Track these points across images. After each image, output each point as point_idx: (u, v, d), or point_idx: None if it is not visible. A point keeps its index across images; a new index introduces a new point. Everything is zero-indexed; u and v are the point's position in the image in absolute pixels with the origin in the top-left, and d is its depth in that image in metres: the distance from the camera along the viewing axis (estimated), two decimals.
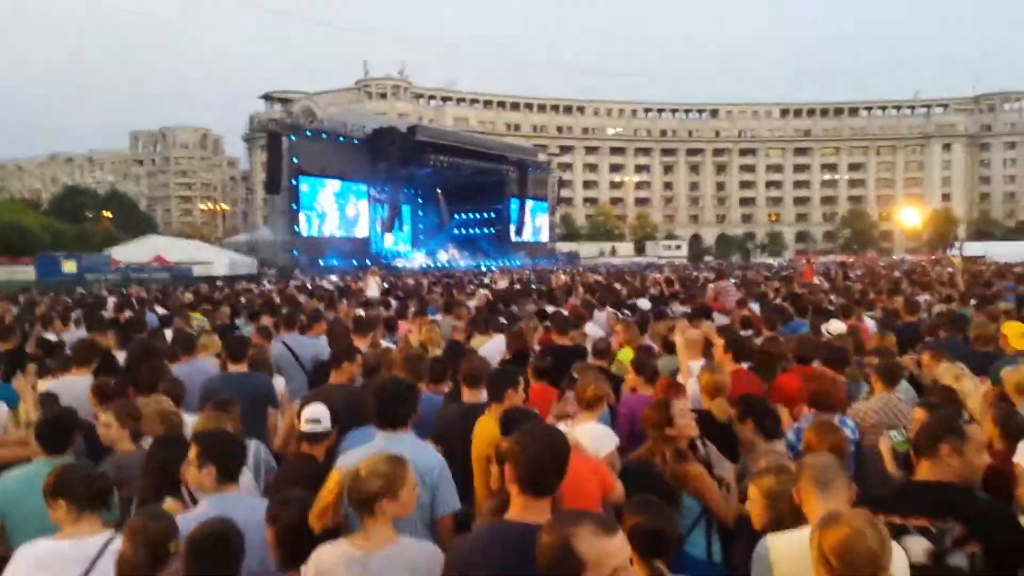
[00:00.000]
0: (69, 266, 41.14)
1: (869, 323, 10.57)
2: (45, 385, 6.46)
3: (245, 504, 3.53)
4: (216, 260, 45.97)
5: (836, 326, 8.61)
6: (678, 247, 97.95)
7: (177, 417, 5.12)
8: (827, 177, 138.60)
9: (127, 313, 13.21)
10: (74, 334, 10.52)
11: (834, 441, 4.24)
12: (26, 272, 41.72)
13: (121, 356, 8.14)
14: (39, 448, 4.68)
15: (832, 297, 14.59)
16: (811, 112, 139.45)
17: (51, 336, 10.07)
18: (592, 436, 4.71)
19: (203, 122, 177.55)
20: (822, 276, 25.61)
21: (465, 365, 5.48)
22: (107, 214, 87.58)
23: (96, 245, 58.69)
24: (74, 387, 6.29)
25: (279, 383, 7.15)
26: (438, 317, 11.30)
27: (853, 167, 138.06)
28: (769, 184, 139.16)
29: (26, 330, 11.36)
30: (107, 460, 4.69)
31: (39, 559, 3.21)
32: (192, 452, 3.68)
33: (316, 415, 4.48)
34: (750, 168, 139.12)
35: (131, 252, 46.82)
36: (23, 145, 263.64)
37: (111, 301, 17.65)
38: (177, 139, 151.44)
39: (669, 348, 7.48)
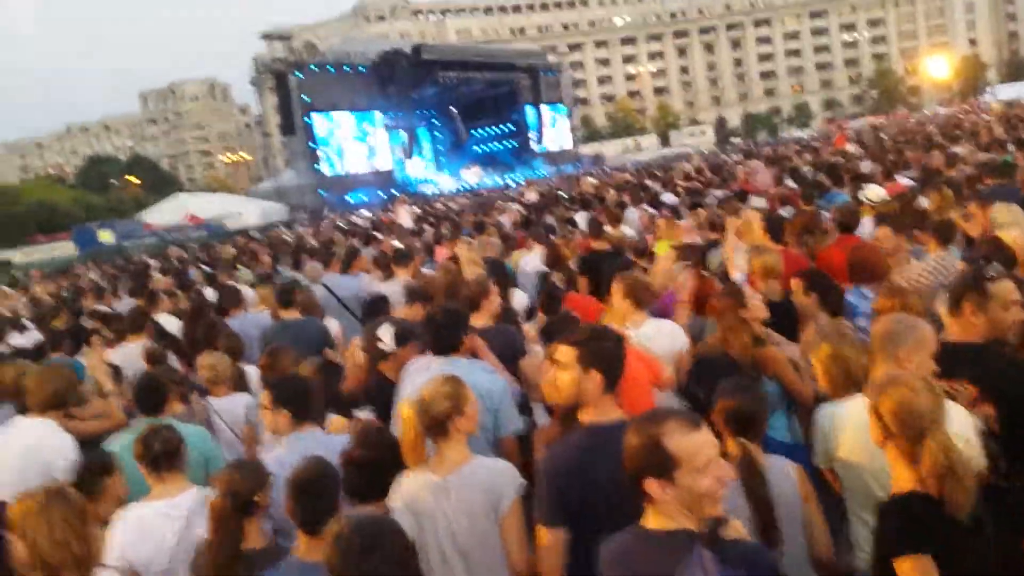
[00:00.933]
0: (105, 236, 41.80)
1: (908, 183, 10.39)
2: (105, 356, 6.65)
3: (322, 441, 3.67)
4: (247, 211, 46.26)
5: (875, 191, 8.47)
6: (703, 133, 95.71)
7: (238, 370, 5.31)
8: (847, 38, 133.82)
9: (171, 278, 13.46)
10: (124, 303, 10.78)
11: (903, 303, 4.06)
12: (65, 247, 42.53)
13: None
14: (120, 417, 4.88)
15: (867, 162, 14.33)
16: None
17: (103, 307, 10.32)
18: (660, 333, 4.73)
19: (209, 72, 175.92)
20: (854, 141, 25.05)
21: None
22: (132, 179, 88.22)
23: (128, 211, 59.37)
24: (133, 354, 6.48)
25: (333, 325, 7.29)
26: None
27: (873, 23, 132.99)
28: (788, 53, 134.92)
29: (78, 305, 11.66)
30: None
31: (138, 522, 3.40)
32: (265, 398, 3.85)
33: (380, 334, 4.62)
34: (767, 40, 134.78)
35: (163, 214, 47.35)
36: (38, 121, 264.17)
37: (153, 266, 17.95)
38: (186, 93, 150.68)
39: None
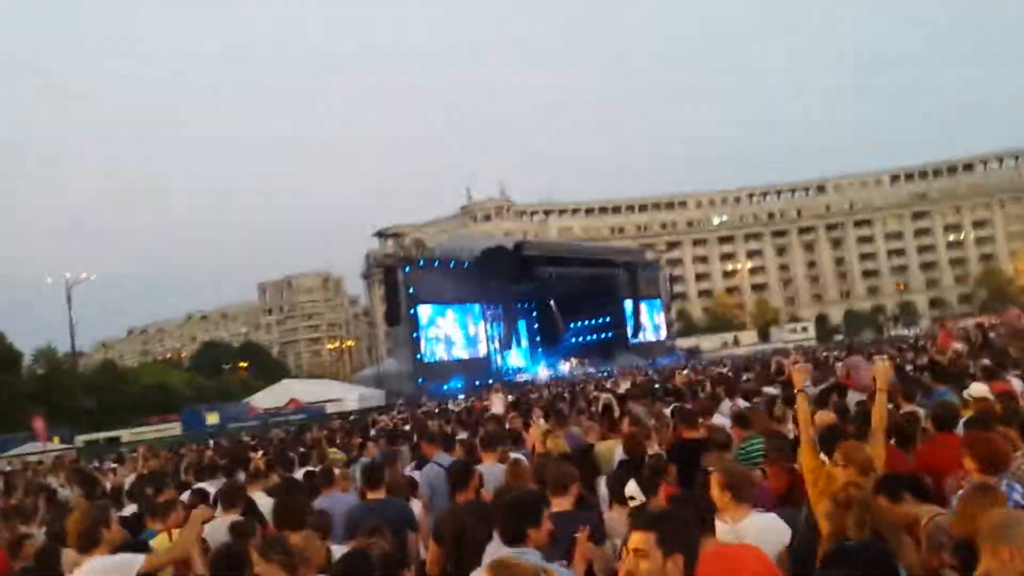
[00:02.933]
0: (212, 418, 43.46)
1: (1017, 383, 9.98)
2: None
3: None
4: (346, 396, 47.55)
5: (977, 389, 8.18)
6: (804, 329, 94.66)
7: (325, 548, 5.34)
8: (952, 238, 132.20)
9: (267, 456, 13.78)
10: (221, 481, 11.06)
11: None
12: (173, 428, 44.23)
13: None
14: None
15: (973, 362, 13.84)
16: (923, 174, 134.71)
17: (201, 485, 10.60)
18: (760, 527, 4.52)
19: (324, 266, 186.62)
20: (961, 340, 24.26)
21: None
22: (243, 364, 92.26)
23: (236, 395, 61.78)
24: (219, 530, 6.60)
25: (416, 507, 7.32)
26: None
27: (978, 224, 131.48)
28: (891, 253, 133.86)
29: (179, 480, 12.02)
30: None
31: None
32: None
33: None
34: (868, 239, 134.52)
35: (267, 398, 49.08)
36: (162, 309, 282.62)
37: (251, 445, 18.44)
38: (301, 285, 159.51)
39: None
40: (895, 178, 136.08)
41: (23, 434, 37.44)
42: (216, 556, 4.67)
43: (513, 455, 8.77)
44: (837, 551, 4.01)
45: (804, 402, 5.62)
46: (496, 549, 4.16)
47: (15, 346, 56.12)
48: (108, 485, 13.10)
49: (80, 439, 43.31)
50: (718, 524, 4.45)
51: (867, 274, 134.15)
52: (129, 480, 13.30)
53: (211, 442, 25.58)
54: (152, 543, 6.72)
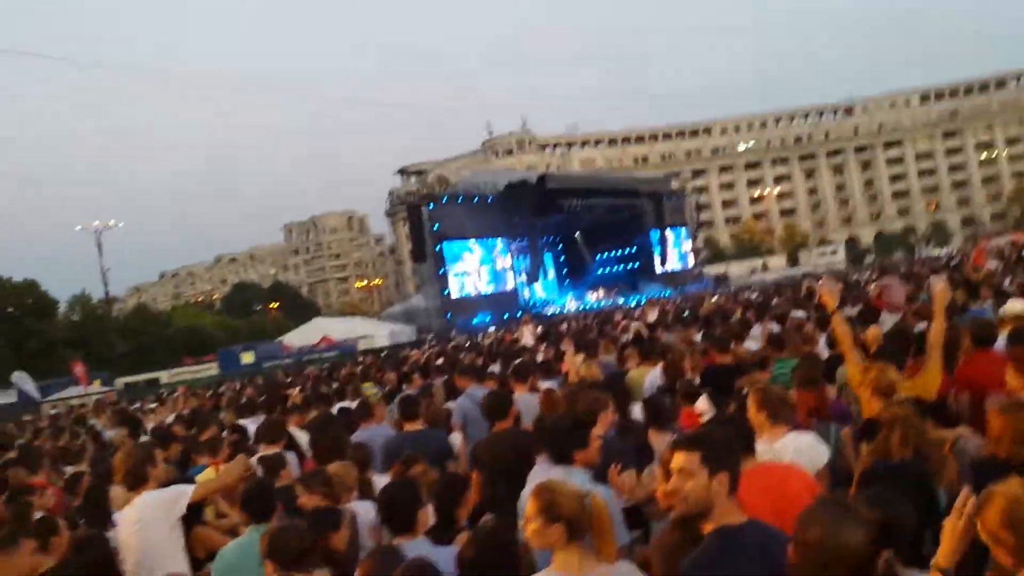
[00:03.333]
0: (247, 357, 44.23)
1: None
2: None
3: (421, 549, 3.71)
4: (377, 333, 48.15)
5: (1014, 306, 8.05)
6: (834, 252, 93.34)
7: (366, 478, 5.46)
8: (984, 156, 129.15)
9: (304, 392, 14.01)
10: (260, 419, 11.28)
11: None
12: (209, 369, 45.13)
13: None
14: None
15: (1009, 279, 13.65)
16: (953, 92, 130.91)
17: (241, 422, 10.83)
18: (799, 447, 4.53)
19: (348, 205, 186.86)
20: (995, 258, 23.91)
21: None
22: (274, 305, 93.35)
23: (268, 335, 62.70)
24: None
25: (455, 439, 7.42)
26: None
27: (1011, 141, 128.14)
28: (922, 173, 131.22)
29: (219, 419, 12.28)
30: None
31: None
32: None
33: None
34: (898, 160, 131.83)
35: (300, 336, 49.81)
36: (191, 253, 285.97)
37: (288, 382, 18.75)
38: (327, 225, 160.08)
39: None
40: (925, 98, 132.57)
41: (64, 379, 38.30)
42: (246, 491, 4.77)
43: (545, 384, 8.86)
44: (875, 469, 3.99)
45: (841, 322, 5.67)
46: (544, 471, 4.22)
47: (50, 294, 57.10)
48: (150, 425, 13.43)
49: (120, 381, 44.36)
50: (761, 444, 4.48)
51: (897, 195, 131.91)
52: (170, 420, 13.64)
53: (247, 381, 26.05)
54: (199, 478, 6.92)
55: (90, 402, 27.65)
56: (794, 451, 4.47)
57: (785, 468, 4.05)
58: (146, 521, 4.70)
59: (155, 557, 4.66)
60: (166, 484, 5.11)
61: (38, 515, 6.34)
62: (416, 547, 3.69)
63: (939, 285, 5.91)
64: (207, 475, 6.94)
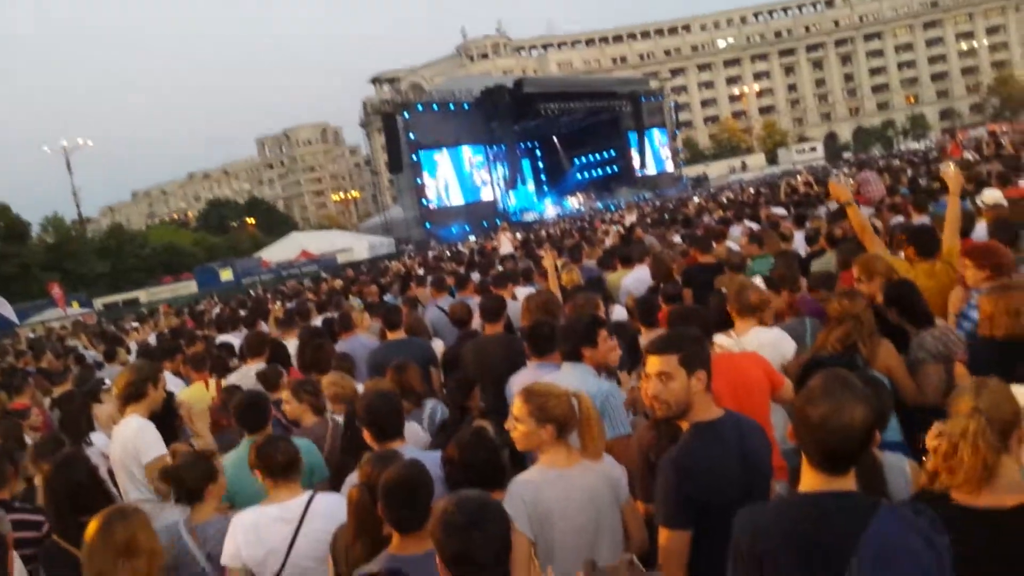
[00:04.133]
0: (226, 274, 43.96)
1: None
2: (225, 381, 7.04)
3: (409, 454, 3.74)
4: (356, 245, 47.90)
5: (991, 195, 8.07)
6: (813, 149, 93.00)
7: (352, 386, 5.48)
8: (964, 46, 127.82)
9: (287, 305, 14.00)
10: (243, 333, 11.28)
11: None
12: (188, 286, 44.89)
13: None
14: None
15: (986, 168, 13.66)
16: None
17: (225, 337, 10.83)
18: (762, 341, 4.64)
19: (321, 117, 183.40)
20: (972, 150, 23.92)
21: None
22: (250, 220, 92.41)
23: (246, 251, 62.26)
24: (250, 376, 6.81)
25: (437, 345, 7.47)
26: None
27: (991, 31, 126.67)
28: (901, 65, 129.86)
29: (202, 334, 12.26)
30: (297, 432, 5.07)
31: (253, 524, 3.55)
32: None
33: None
34: (878, 53, 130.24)
35: (278, 252, 49.47)
36: (164, 170, 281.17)
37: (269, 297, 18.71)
38: (300, 137, 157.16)
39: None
40: None
41: (41, 302, 37.99)
42: (239, 403, 4.79)
43: (523, 291, 8.86)
44: (812, 362, 4.14)
45: (856, 212, 6.01)
46: (533, 373, 4.26)
47: (21, 217, 56.07)
48: (132, 344, 13.41)
49: (99, 302, 44.10)
50: (723, 337, 4.74)
51: (877, 89, 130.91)
52: (152, 338, 13.62)
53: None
54: (188, 391, 6.94)
55: (69, 324, 27.55)
56: (758, 344, 4.61)
57: (743, 356, 4.23)
58: (128, 450, 4.72)
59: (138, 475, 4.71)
60: (155, 408, 5.09)
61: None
62: (403, 452, 3.72)
63: (950, 170, 6.09)
64: (196, 390, 6.96)
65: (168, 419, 5.35)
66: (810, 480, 2.24)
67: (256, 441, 3.85)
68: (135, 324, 18.20)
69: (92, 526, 3.06)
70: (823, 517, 2.16)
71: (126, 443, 4.61)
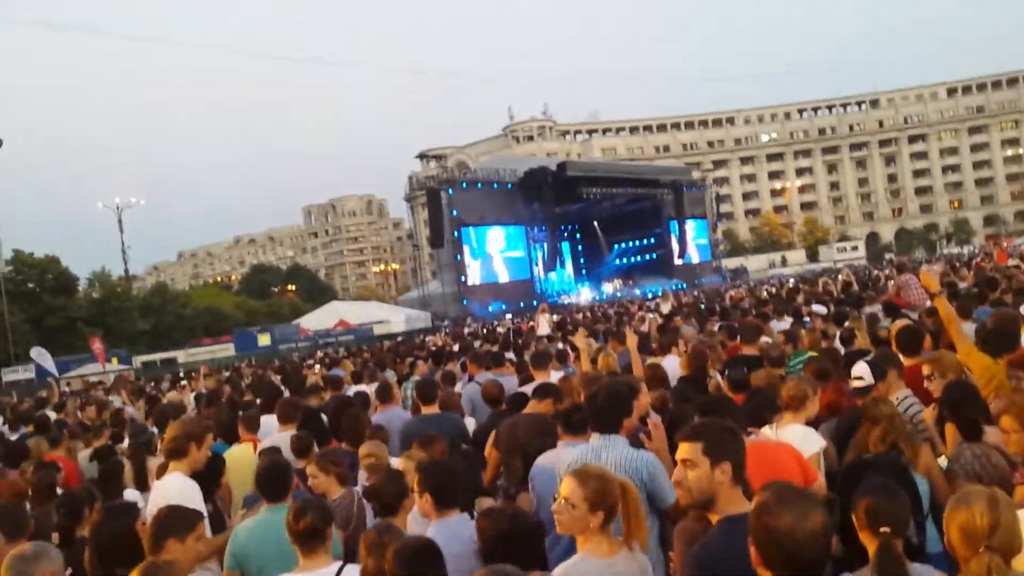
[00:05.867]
0: (264, 339, 44.51)
1: None
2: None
3: (468, 526, 3.79)
4: (392, 318, 48.29)
5: None
6: (854, 248, 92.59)
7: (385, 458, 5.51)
8: (1010, 153, 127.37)
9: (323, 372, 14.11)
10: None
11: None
12: (226, 349, 45.43)
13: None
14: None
15: None
16: (981, 87, 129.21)
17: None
18: (794, 437, 4.65)
19: (367, 189, 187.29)
20: (1018, 258, 23.67)
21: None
22: (291, 287, 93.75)
23: (285, 317, 63.02)
24: (283, 443, 6.83)
25: (469, 423, 7.48)
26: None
27: None
28: (946, 169, 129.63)
29: (238, 398, 12.38)
30: None
31: None
32: (415, 482, 4.02)
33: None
34: (922, 155, 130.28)
35: (316, 320, 50.00)
36: (211, 233, 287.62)
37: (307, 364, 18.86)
38: (345, 208, 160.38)
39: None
40: (952, 91, 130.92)
41: (82, 356, 38.67)
42: (262, 470, 4.82)
43: (557, 374, 8.87)
44: (856, 462, 4.22)
45: (944, 303, 5.87)
46: (570, 452, 4.26)
47: (70, 270, 57.55)
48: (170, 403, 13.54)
49: (138, 360, 44.76)
50: (764, 431, 4.71)
51: (920, 191, 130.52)
52: (190, 400, 13.77)
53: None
54: (235, 451, 6.97)
55: (108, 379, 27.95)
56: (791, 437, 4.65)
57: (780, 446, 4.25)
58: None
59: None
60: (197, 468, 5.14)
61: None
62: (447, 525, 3.78)
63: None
64: (243, 451, 6.97)
65: (212, 480, 5.37)
66: None
67: (293, 506, 3.87)
68: (183, 383, 18.37)
69: None
70: None
71: (168, 502, 4.66)
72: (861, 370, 5.22)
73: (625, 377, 5.95)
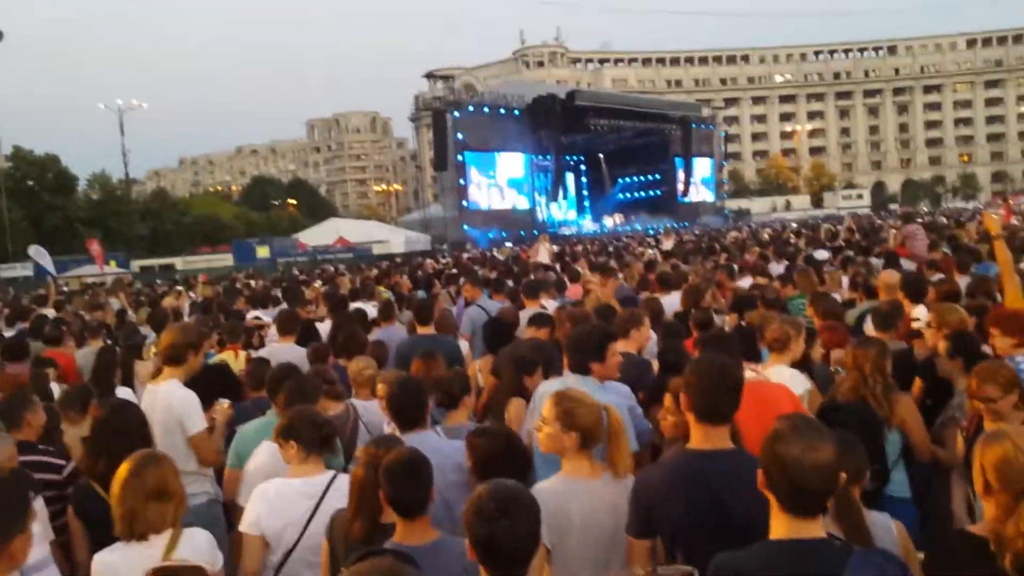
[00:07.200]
0: (262, 251, 44.51)
1: None
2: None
3: (437, 443, 3.87)
4: (392, 239, 48.30)
5: None
6: (859, 196, 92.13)
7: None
8: (1023, 109, 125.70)
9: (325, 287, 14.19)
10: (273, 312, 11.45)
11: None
12: (224, 259, 45.43)
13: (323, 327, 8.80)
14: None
15: None
16: (1001, 40, 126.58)
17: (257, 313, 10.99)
18: (779, 379, 4.67)
19: (372, 106, 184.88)
20: (1020, 215, 23.59)
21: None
22: (291, 201, 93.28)
23: (284, 230, 62.86)
24: (280, 353, 6.89)
25: (463, 345, 7.57)
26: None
27: None
28: (958, 122, 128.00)
29: (234, 308, 12.45)
30: None
31: (276, 494, 3.64)
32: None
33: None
34: (935, 106, 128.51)
35: (316, 235, 49.98)
36: (212, 141, 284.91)
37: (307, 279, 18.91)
38: (350, 124, 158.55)
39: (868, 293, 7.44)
40: (971, 43, 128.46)
41: (80, 257, 38.63)
42: (273, 374, 4.90)
43: (553, 303, 8.92)
44: (830, 406, 4.35)
45: (1003, 247, 6.08)
46: (560, 381, 4.33)
47: (70, 170, 57.09)
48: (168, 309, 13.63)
49: (135, 264, 44.78)
50: (747, 370, 4.67)
51: (931, 143, 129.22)
52: (186, 307, 13.86)
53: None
54: (217, 359, 7.08)
55: (106, 281, 28.01)
56: (777, 378, 4.66)
57: (777, 386, 4.27)
58: (172, 416, 4.83)
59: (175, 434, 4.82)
60: (192, 375, 5.21)
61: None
62: (423, 439, 3.81)
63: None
64: (226, 359, 7.10)
65: (213, 389, 5.43)
66: (781, 526, 2.27)
67: (290, 412, 3.93)
68: (180, 289, 18.41)
69: (123, 468, 3.19)
70: (798, 563, 2.20)
71: (171, 409, 4.70)
72: (920, 312, 5.37)
73: (631, 310, 5.98)
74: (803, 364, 5.26)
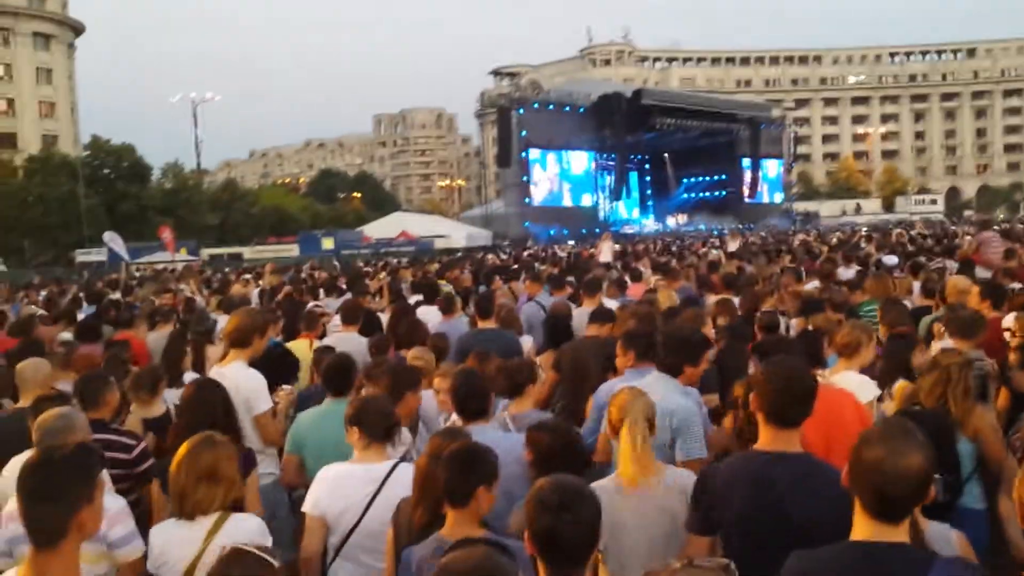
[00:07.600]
0: (327, 243, 45.23)
1: None
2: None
3: (499, 437, 3.90)
4: (454, 233, 48.60)
5: None
6: (933, 201, 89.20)
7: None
8: None
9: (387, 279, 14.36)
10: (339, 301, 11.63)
11: None
12: (290, 250, 46.29)
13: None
14: None
15: None
16: None
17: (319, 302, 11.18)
18: (848, 385, 4.58)
19: (438, 103, 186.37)
20: None
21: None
22: (357, 194, 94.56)
23: (349, 223, 63.79)
24: (344, 342, 7.00)
25: (526, 340, 7.55)
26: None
27: None
28: None
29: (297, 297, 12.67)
30: None
31: (337, 478, 3.71)
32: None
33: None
34: (1015, 111, 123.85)
35: (380, 228, 50.62)
36: (282, 134, 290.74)
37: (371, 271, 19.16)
38: (415, 120, 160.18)
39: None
40: None
41: (152, 244, 39.69)
42: (329, 366, 4.97)
43: (613, 303, 8.85)
44: (904, 414, 4.12)
45: None
46: (635, 379, 4.32)
47: (145, 160, 58.86)
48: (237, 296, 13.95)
49: (205, 252, 45.92)
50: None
51: (1009, 148, 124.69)
52: (254, 294, 14.16)
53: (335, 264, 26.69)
54: (292, 345, 7.23)
55: (177, 268, 28.77)
56: (845, 384, 4.56)
57: (843, 394, 4.16)
58: (240, 396, 4.93)
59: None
60: (255, 358, 5.31)
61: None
62: (484, 431, 3.84)
63: None
64: (298, 346, 7.22)
65: (277, 372, 5.55)
66: (863, 528, 2.24)
67: (359, 399, 4.01)
68: (247, 277, 18.79)
69: (183, 447, 3.27)
70: (877, 567, 2.16)
71: (238, 389, 4.80)
72: (1009, 321, 5.45)
73: (696, 311, 5.94)
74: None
